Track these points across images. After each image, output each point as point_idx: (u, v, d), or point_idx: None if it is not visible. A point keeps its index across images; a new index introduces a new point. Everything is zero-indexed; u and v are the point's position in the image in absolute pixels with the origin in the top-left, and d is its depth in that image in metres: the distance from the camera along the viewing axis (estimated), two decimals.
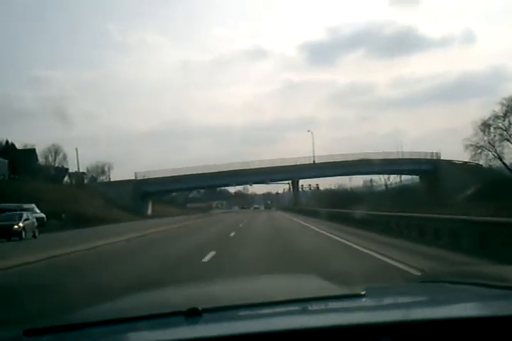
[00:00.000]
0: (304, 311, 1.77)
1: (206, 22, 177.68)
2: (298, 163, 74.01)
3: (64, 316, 2.21)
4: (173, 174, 70.90)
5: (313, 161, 74.91)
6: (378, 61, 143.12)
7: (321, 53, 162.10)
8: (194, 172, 71.09)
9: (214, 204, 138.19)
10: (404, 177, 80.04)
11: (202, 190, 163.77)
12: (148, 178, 71.12)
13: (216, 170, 71.35)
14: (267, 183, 75.89)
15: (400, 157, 72.97)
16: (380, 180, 79.30)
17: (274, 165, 73.18)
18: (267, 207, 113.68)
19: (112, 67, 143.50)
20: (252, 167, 72.47)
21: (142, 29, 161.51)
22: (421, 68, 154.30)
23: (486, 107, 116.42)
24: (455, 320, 1.45)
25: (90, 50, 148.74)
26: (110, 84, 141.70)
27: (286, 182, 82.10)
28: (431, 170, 69.37)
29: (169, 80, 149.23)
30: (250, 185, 76.47)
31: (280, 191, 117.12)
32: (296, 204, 73.76)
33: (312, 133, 77.31)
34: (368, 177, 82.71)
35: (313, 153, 75.60)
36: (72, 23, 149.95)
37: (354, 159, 72.52)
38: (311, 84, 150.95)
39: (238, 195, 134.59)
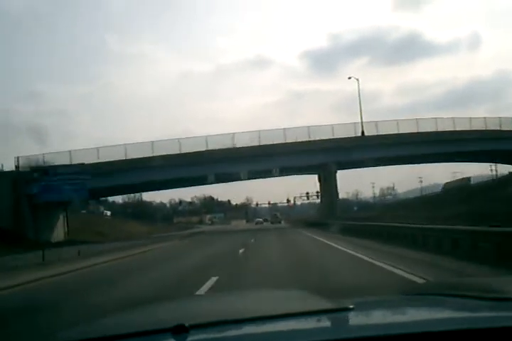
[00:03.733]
0: (293, 326, 1.75)
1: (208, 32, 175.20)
2: (334, 137, 39.86)
3: (48, 336, 2.45)
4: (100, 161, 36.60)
5: (362, 132, 40.59)
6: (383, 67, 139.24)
7: (324, 61, 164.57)
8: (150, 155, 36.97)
9: (208, 217, 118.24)
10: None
11: (196, 201, 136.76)
12: (49, 166, 36.24)
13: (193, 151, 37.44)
14: (274, 174, 40.66)
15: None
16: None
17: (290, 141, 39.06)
18: (275, 221, 79.02)
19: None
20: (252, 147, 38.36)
21: (142, 40, 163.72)
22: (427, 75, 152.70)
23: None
24: (444, 332, 1.45)
25: (89, 62, 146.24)
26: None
27: (309, 173, 46.72)
28: None
29: (169, 90, 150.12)
30: (244, 178, 40.92)
31: (285, 202, 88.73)
32: (332, 214, 38.72)
33: (358, 79, 43.45)
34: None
35: (361, 118, 41.30)
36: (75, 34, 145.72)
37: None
38: (314, 92, 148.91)
39: (239, 207, 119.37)
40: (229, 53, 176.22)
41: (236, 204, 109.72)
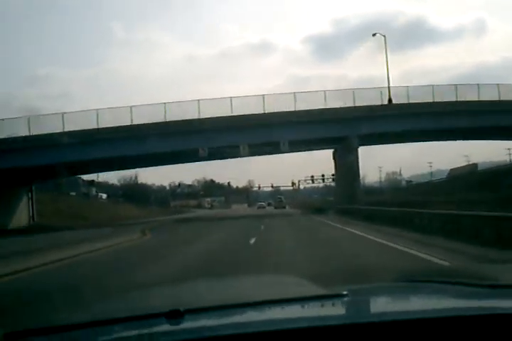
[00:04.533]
0: (286, 312, 1.76)
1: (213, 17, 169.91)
2: (357, 105, 32.43)
3: (45, 318, 2.38)
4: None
5: (389, 99, 33.10)
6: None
7: (329, 46, 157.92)
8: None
9: (207, 201, 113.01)
10: None
11: (196, 184, 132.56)
12: None
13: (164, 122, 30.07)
14: (282, 149, 32.58)
15: None
16: None
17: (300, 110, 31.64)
18: (279, 206, 71.57)
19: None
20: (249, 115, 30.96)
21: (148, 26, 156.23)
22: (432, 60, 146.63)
23: None
24: (436, 319, 1.45)
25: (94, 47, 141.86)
26: None
27: (324, 147, 39.09)
28: None
29: (173, 74, 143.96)
30: (245, 154, 32.42)
31: (288, 185, 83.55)
32: (352, 198, 31.29)
33: (384, 36, 35.70)
34: None
35: (389, 83, 33.70)
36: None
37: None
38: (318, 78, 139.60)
39: (240, 190, 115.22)
40: (233, 38, 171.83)
41: (237, 187, 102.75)
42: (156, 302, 2.09)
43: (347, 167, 32.66)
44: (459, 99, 32.90)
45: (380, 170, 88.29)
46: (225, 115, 30.53)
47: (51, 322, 1.80)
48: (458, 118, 31.75)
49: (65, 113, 30.00)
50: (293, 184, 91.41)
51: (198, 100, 30.43)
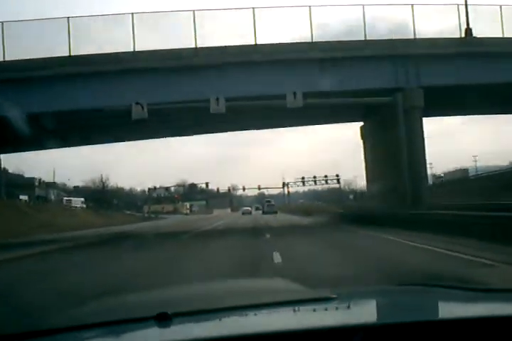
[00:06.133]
0: (275, 315, 1.75)
1: None
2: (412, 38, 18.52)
3: (32, 322, 2.25)
4: None
5: (467, 31, 19.18)
6: None
7: None
8: None
9: (185, 205, 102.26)
10: None
11: (172, 187, 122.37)
12: None
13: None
14: (293, 103, 17.41)
15: None
16: None
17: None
18: (269, 211, 59.64)
19: None
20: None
21: None
22: None
23: None
24: (424, 322, 1.44)
25: None
26: None
27: (355, 118, 24.41)
28: None
29: None
30: (219, 110, 16.70)
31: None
32: (416, 199, 17.23)
33: None
34: None
35: (466, 5, 19.83)
36: None
37: None
38: None
39: (223, 195, 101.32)
40: None
41: (218, 190, 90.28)
42: (143, 305, 2.02)
43: (396, 146, 18.70)
44: None
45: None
46: (184, 47, 16.54)
47: (38, 326, 1.75)
48: None
49: None
50: (284, 184, 78.55)
51: (132, 14, 16.29)
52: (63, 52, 16.12)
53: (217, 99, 15.45)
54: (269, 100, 16.94)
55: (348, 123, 27.02)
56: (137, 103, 15.01)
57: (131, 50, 16.39)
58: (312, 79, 17.07)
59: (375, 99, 17.60)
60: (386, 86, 17.96)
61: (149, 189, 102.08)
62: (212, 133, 25.71)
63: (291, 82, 16.50)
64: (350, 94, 18.41)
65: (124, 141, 26.38)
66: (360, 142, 24.81)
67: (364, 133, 24.02)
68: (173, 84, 16.32)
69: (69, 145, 24.99)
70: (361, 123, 24.44)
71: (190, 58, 16.25)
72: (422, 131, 17.98)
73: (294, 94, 15.99)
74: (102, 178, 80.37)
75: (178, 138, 30.11)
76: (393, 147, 19.23)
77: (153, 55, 16.31)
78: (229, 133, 30.67)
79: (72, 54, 15.97)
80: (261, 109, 20.14)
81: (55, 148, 23.22)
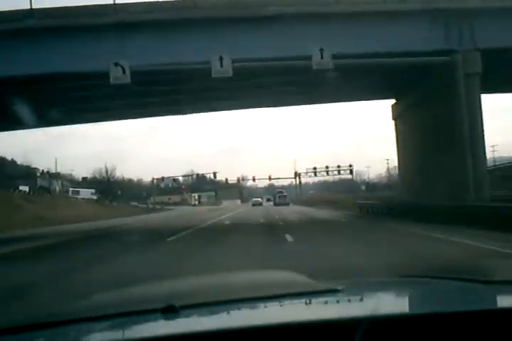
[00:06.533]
0: (281, 307, 1.76)
1: None
2: None
3: (39, 314, 2.18)
4: None
5: None
6: None
7: None
8: None
9: (194, 196, 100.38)
10: None
11: (180, 178, 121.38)
12: None
13: None
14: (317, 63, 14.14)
15: None
16: None
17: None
18: (280, 202, 57.39)
19: None
20: None
21: None
22: None
23: None
24: (429, 315, 1.44)
25: None
26: None
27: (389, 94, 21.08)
28: None
29: None
30: (224, 73, 13.72)
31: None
32: (469, 188, 13.63)
33: None
34: None
35: None
36: None
37: None
38: None
39: (232, 186, 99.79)
40: None
41: (226, 180, 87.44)
42: (150, 297, 1.97)
43: (450, 124, 15.05)
44: None
45: (387, 163, 71.55)
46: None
47: (45, 318, 1.73)
48: None
49: None
50: (296, 175, 75.13)
51: None
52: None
53: (221, 58, 11.90)
54: (292, 60, 13.18)
55: (367, 105, 23.27)
56: (116, 64, 11.55)
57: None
58: (340, 39, 13.52)
59: (426, 59, 13.90)
60: (434, 48, 14.32)
61: (156, 179, 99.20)
62: (217, 111, 22.17)
63: (314, 39, 12.94)
64: (392, 53, 14.74)
65: (114, 119, 22.96)
66: (390, 124, 21.22)
67: (397, 113, 20.39)
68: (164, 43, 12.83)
69: (50, 124, 21.56)
70: (392, 102, 20.85)
71: (190, 9, 12.75)
72: (481, 106, 14.38)
73: (321, 51, 12.39)
74: (106, 169, 78.16)
75: (185, 127, 26.61)
76: (445, 125, 15.57)
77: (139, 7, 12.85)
78: (238, 123, 26.95)
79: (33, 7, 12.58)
80: (274, 83, 16.71)
81: (30, 127, 19.81)
